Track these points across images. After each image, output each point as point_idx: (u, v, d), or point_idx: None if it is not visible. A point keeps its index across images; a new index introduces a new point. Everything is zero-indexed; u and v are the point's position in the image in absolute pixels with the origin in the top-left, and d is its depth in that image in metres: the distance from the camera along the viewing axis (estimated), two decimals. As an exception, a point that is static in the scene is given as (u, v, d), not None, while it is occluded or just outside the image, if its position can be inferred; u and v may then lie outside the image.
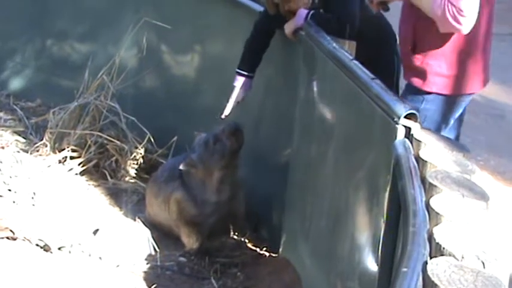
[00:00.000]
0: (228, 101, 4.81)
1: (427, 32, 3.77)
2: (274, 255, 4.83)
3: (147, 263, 4.70)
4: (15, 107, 6.74)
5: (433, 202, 2.29)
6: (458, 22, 3.57)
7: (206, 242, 4.90)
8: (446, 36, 3.74)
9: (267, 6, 4.55)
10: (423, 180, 2.54)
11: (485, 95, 7.82)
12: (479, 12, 3.61)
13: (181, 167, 4.78)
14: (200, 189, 4.84)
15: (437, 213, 2.22)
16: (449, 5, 3.55)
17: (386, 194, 2.95)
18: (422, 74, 3.83)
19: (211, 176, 4.81)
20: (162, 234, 5.05)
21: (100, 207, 5.29)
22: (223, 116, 4.83)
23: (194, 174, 4.82)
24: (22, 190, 5.07)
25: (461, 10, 3.53)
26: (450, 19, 3.57)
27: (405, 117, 2.95)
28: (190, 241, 4.90)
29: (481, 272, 1.92)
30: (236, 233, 5.11)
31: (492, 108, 7.57)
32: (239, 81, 4.77)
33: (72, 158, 5.72)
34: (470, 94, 3.93)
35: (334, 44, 3.90)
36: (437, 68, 3.80)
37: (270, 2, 4.47)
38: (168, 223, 5.02)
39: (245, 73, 4.76)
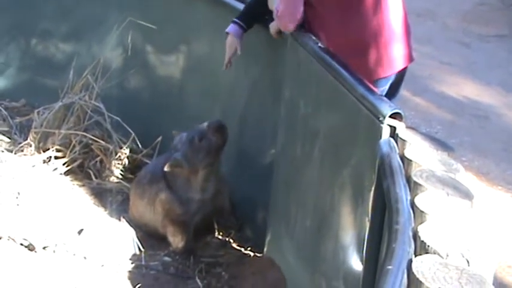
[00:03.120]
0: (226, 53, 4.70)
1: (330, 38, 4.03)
2: (258, 255, 4.83)
3: (132, 263, 4.70)
4: (-1, 106, 6.71)
5: (417, 201, 2.30)
6: (279, 20, 4.12)
7: (191, 241, 4.90)
8: (346, 35, 4.02)
9: None
10: (408, 179, 2.54)
11: (469, 96, 7.88)
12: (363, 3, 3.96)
13: (166, 168, 4.75)
14: (185, 188, 4.83)
15: (422, 212, 2.23)
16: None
17: (371, 193, 2.95)
18: None
19: (197, 174, 4.80)
20: (146, 234, 5.04)
21: (85, 207, 5.27)
22: (224, 68, 4.72)
23: (179, 173, 4.80)
24: (6, 190, 5.04)
25: (277, 11, 4.03)
26: (277, 19, 4.14)
27: (390, 116, 2.96)
28: (176, 240, 4.89)
29: (465, 269, 1.92)
30: (223, 230, 5.12)
31: (477, 109, 7.60)
32: (232, 28, 4.64)
33: (56, 157, 5.70)
34: (383, 78, 4.07)
35: (320, 44, 3.91)
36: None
37: None
38: (154, 224, 5.00)
39: (240, 22, 4.63)
